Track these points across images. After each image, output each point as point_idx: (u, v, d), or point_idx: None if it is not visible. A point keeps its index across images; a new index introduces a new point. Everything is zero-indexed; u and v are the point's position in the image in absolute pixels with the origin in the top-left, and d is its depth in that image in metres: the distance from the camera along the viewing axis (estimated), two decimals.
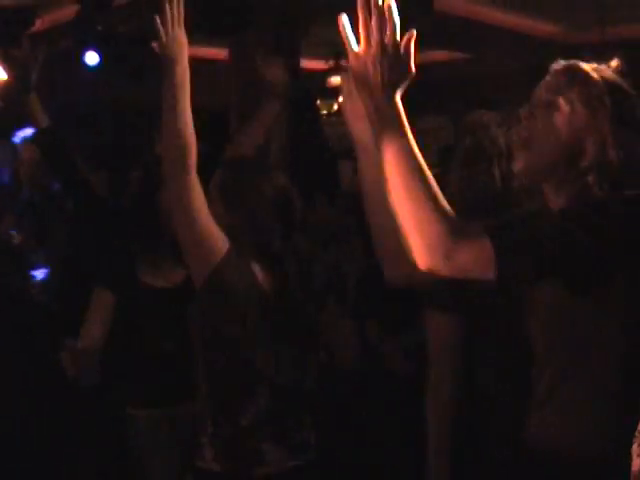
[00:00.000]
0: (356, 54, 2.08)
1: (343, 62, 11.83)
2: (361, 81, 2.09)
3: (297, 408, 3.09)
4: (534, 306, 2.29)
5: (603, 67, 2.31)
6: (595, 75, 2.26)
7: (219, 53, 8.93)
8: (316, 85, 10.82)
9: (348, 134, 2.48)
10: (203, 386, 3.12)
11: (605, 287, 2.14)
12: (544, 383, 2.26)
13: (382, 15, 2.02)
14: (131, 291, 3.78)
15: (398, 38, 2.05)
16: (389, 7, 2.01)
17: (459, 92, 10.21)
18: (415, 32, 2.07)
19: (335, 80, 12.11)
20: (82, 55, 7.36)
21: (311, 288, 3.16)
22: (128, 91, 8.51)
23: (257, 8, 6.72)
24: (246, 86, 7.03)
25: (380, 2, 2.01)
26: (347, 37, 2.10)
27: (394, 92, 2.07)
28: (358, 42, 2.07)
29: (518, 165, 2.29)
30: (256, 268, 3.08)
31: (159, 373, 3.75)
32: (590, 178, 2.17)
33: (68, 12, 7.92)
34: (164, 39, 2.86)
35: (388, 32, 2.03)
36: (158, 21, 2.84)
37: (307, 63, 9.95)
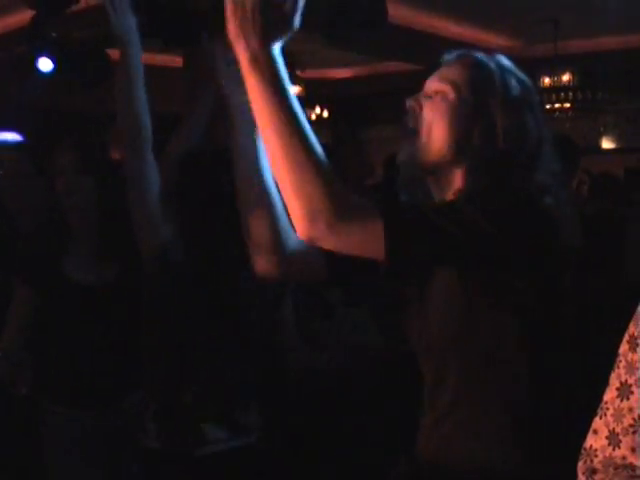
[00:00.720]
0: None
1: (298, 72, 11.87)
2: (239, 30, 1.93)
3: (240, 391, 3.10)
4: (429, 314, 2.22)
5: (498, 55, 2.29)
6: (486, 61, 2.24)
7: (174, 60, 8.94)
8: None
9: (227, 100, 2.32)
10: (147, 364, 3.13)
11: (502, 289, 2.08)
12: (445, 397, 2.21)
13: None
14: (54, 287, 3.69)
15: None
16: None
17: None
18: None
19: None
20: (35, 61, 7.30)
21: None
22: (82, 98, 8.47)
23: (212, 20, 6.72)
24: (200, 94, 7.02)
25: None
26: None
27: (272, 43, 1.95)
28: None
29: (402, 156, 2.21)
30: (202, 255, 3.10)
31: (81, 372, 3.65)
32: (476, 168, 2.13)
33: (22, 18, 7.87)
34: (113, 20, 3.04)
35: None
36: (108, 5, 3.04)
37: None
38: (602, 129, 12.64)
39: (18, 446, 3.91)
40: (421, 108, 2.21)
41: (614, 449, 1.70)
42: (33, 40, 7.12)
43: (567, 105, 10.77)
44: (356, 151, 7.92)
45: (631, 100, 11.68)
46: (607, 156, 11.95)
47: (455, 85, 2.20)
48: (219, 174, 3.05)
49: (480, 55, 2.27)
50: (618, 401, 1.70)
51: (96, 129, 5.22)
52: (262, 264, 2.29)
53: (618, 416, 1.70)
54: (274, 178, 2.01)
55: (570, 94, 10.69)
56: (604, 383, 1.77)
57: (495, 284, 2.08)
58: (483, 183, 2.11)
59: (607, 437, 1.72)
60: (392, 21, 8.16)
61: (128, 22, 3.07)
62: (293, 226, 2.05)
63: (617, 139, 12.77)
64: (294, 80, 12.08)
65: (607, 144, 12.81)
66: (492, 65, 2.23)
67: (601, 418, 1.74)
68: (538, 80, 10.77)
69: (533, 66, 11.48)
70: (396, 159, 2.23)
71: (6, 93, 7.97)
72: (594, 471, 1.74)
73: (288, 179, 1.91)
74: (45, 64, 7.13)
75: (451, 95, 2.19)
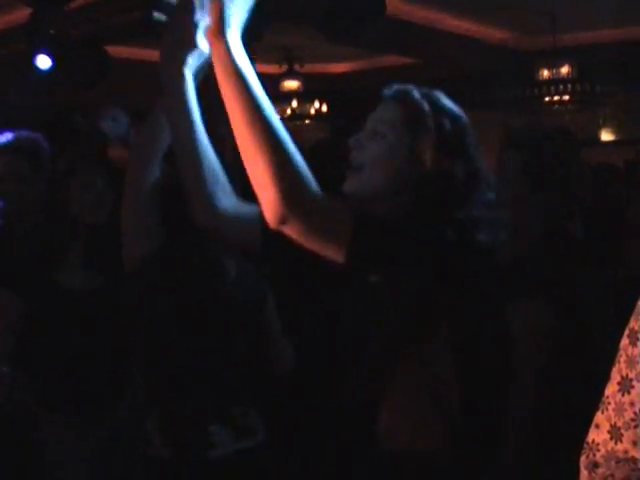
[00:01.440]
0: None
1: (297, 66, 11.88)
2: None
3: (237, 393, 3.10)
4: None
5: (435, 92, 2.38)
6: (422, 100, 2.34)
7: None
8: (269, 89, 10.82)
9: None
10: (139, 375, 3.12)
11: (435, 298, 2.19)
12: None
13: None
14: (41, 292, 3.66)
15: None
16: None
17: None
18: None
19: (289, 84, 12.14)
20: (34, 59, 7.30)
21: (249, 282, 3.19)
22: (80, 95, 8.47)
23: None
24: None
25: None
26: None
27: (225, 30, 2.11)
28: None
29: (347, 187, 2.32)
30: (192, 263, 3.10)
31: (74, 379, 3.61)
32: (413, 202, 2.24)
33: (20, 15, 7.87)
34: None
35: None
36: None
37: (260, 67, 9.95)
38: (601, 121, 12.65)
39: (15, 453, 3.89)
40: (362, 147, 2.33)
41: (616, 443, 1.71)
42: (31, 37, 7.13)
43: (566, 98, 10.78)
44: None
45: (630, 92, 11.67)
46: (606, 148, 11.96)
47: (391, 125, 2.32)
48: None
49: (416, 93, 2.36)
50: (619, 395, 1.71)
51: (96, 128, 5.20)
52: (197, 213, 2.44)
53: (619, 410, 1.71)
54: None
55: (569, 86, 10.70)
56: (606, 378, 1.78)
57: (430, 292, 2.18)
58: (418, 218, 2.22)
59: (609, 431, 1.73)
60: (390, 15, 8.17)
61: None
62: (230, 189, 2.41)
63: (616, 131, 12.78)
64: (293, 75, 12.10)
65: (606, 136, 12.82)
66: (426, 106, 2.33)
67: (603, 412, 1.75)
68: (537, 73, 10.78)
69: (532, 59, 11.50)
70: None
71: (4, 91, 7.96)
72: (596, 465, 1.75)
73: (256, 160, 2.01)
74: (44, 61, 7.14)
75: (389, 135, 2.31)
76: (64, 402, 3.61)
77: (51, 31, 7.20)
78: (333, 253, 2.08)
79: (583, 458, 1.78)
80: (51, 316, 3.64)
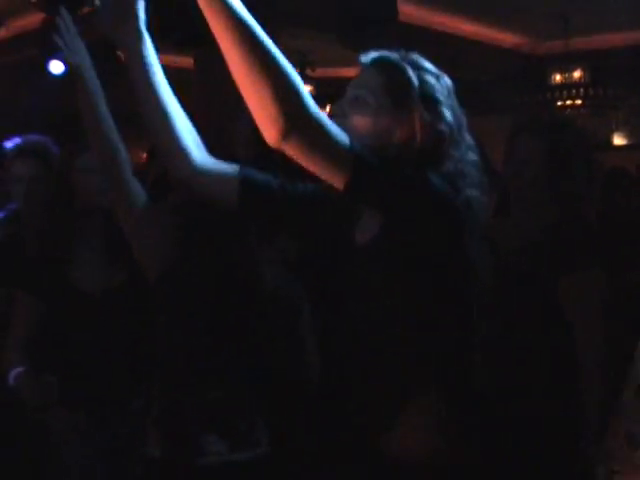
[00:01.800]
0: None
1: (309, 71, 11.89)
2: None
3: (248, 407, 3.08)
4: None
5: (414, 54, 2.43)
6: (400, 61, 2.37)
7: (185, 61, 8.95)
8: None
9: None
10: (157, 371, 3.13)
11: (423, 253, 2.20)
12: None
13: None
14: (59, 295, 3.67)
15: None
16: None
17: None
18: None
19: None
20: (47, 64, 7.31)
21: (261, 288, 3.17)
22: None
23: None
24: (211, 96, 7.04)
25: None
26: None
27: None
28: None
29: None
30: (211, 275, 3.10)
31: (83, 375, 3.62)
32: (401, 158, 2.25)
33: (34, 20, 7.89)
34: (65, 50, 3.01)
35: None
36: (56, 37, 3.01)
37: None
38: (613, 126, 12.62)
39: (23, 451, 3.90)
40: (344, 113, 2.34)
41: (633, 449, 1.71)
42: (44, 43, 7.14)
43: (578, 102, 10.75)
44: None
45: None
46: (619, 152, 11.93)
47: (372, 90, 2.33)
48: None
49: (394, 55, 2.40)
50: (636, 402, 1.70)
51: None
52: (175, 168, 2.50)
53: (636, 417, 1.70)
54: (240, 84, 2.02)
55: (581, 91, 10.67)
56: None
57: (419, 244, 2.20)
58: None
59: (625, 438, 1.72)
60: (402, 19, 8.18)
61: (79, 48, 3.05)
62: (204, 149, 2.48)
63: (629, 135, 12.74)
64: (306, 79, 12.10)
65: (619, 140, 12.79)
66: (406, 65, 2.36)
67: (619, 419, 1.74)
68: (549, 77, 10.76)
69: (544, 63, 11.49)
70: None
71: (17, 96, 7.99)
72: (613, 471, 1.74)
73: (255, 77, 1.94)
74: (56, 67, 7.15)
75: (370, 100, 2.32)
76: (73, 399, 3.61)
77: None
78: (333, 178, 2.09)
79: (600, 465, 1.78)
80: (65, 315, 3.66)
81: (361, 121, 2.31)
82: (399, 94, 2.31)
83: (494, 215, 3.54)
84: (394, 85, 2.32)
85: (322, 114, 2.03)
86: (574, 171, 3.30)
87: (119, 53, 7.43)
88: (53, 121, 7.65)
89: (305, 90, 2.00)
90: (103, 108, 3.06)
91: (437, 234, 2.18)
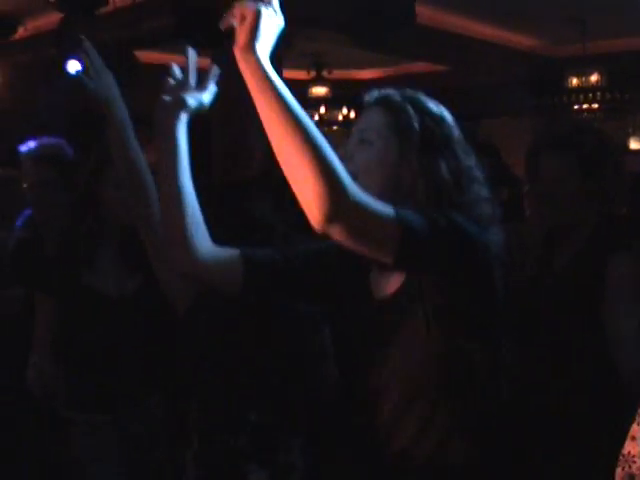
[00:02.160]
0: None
1: (325, 73, 11.89)
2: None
3: (284, 430, 3.06)
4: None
5: (417, 94, 2.40)
6: (404, 103, 2.34)
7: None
8: (298, 95, 10.83)
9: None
10: (194, 402, 3.09)
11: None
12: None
13: None
14: (72, 294, 3.69)
15: None
16: None
17: (439, 103, 10.22)
18: None
19: (317, 91, 12.15)
20: (64, 64, 7.33)
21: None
22: None
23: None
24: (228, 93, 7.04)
25: None
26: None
27: (255, 44, 2.05)
28: None
29: None
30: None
31: (102, 378, 3.63)
32: (409, 205, 2.22)
33: (51, 20, 7.92)
34: (91, 85, 3.01)
35: None
36: (83, 75, 3.02)
37: (289, 73, 9.98)
38: (630, 130, 12.57)
39: (40, 454, 3.92)
40: (352, 157, 2.33)
41: None
42: (62, 42, 7.17)
43: (595, 106, 10.72)
44: None
45: None
46: (635, 156, 11.88)
47: (377, 130, 2.33)
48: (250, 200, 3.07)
49: (398, 97, 2.37)
50: None
51: None
52: (175, 258, 2.44)
53: None
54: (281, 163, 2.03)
55: (598, 94, 10.64)
56: None
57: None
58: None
59: None
60: (419, 22, 8.18)
61: (107, 81, 3.03)
62: (208, 235, 2.39)
63: None
64: (322, 81, 12.11)
65: (635, 145, 12.73)
66: (409, 108, 2.33)
67: (639, 425, 1.74)
68: (566, 80, 10.73)
69: (561, 66, 11.46)
70: None
71: (34, 95, 8.01)
72: (632, 477, 1.74)
73: (297, 163, 1.97)
74: (74, 66, 7.18)
75: (375, 140, 2.32)
76: (90, 402, 3.64)
77: (81, 36, 7.24)
78: (381, 254, 2.08)
79: (619, 470, 1.77)
80: (82, 319, 3.67)
81: (368, 162, 2.30)
82: (403, 136, 2.30)
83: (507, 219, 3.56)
84: (398, 125, 2.31)
85: (365, 196, 2.02)
86: (605, 174, 3.33)
87: (135, 53, 7.46)
88: (71, 121, 7.68)
89: (345, 173, 2.00)
90: (132, 137, 3.02)
91: (472, 276, 2.18)
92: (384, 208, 2.05)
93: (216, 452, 2.99)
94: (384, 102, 2.37)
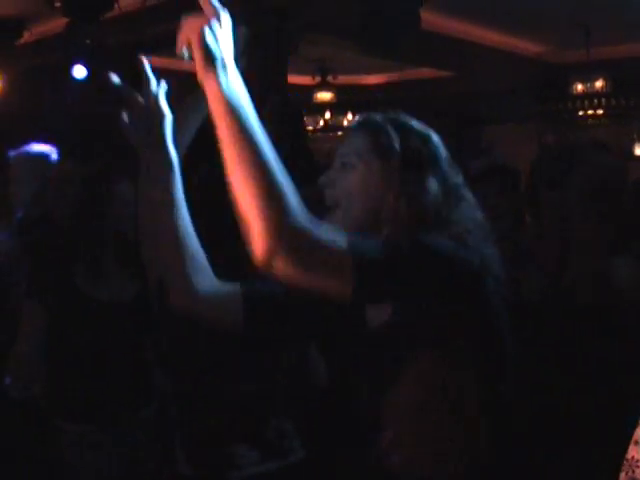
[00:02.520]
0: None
1: (330, 78, 11.91)
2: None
3: (274, 414, 3.07)
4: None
5: (399, 115, 2.34)
6: (385, 124, 2.30)
7: None
8: (302, 100, 10.87)
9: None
10: (169, 386, 3.10)
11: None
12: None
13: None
14: (66, 300, 3.66)
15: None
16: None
17: (444, 109, 10.25)
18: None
19: (322, 96, 12.16)
20: (70, 68, 7.36)
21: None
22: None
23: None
24: None
25: None
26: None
27: (214, 62, 1.92)
28: None
29: (330, 222, 2.23)
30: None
31: (93, 387, 3.60)
32: (392, 228, 2.20)
33: (57, 25, 7.94)
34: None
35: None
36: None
37: (294, 79, 10.00)
38: (635, 136, 12.56)
39: (34, 464, 3.90)
40: (334, 183, 2.28)
41: None
42: (68, 47, 7.19)
43: (600, 112, 10.73)
44: None
45: None
46: None
47: (358, 153, 2.28)
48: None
49: (379, 119, 2.32)
50: None
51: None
52: (175, 298, 2.32)
53: None
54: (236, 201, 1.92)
55: (603, 100, 10.65)
56: None
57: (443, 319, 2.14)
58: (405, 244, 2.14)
59: None
60: (424, 27, 8.18)
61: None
62: (210, 271, 2.27)
63: None
64: (327, 86, 12.13)
65: None
66: (390, 129, 2.29)
67: None
68: (570, 87, 10.74)
69: (565, 72, 11.46)
70: None
71: (41, 100, 8.02)
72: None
73: (249, 202, 1.88)
74: (80, 71, 7.21)
75: (356, 163, 2.27)
76: (81, 410, 3.62)
77: (87, 41, 7.26)
78: (336, 287, 1.98)
79: (622, 475, 1.77)
80: (76, 326, 3.65)
81: (350, 185, 2.25)
82: (384, 156, 2.25)
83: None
84: (378, 147, 2.26)
85: (312, 225, 1.92)
86: (617, 196, 3.39)
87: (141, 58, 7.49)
88: (75, 126, 7.70)
89: (299, 207, 1.90)
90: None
91: (456, 297, 2.12)
92: (334, 237, 1.96)
93: (200, 433, 3.00)
94: (365, 125, 2.34)
